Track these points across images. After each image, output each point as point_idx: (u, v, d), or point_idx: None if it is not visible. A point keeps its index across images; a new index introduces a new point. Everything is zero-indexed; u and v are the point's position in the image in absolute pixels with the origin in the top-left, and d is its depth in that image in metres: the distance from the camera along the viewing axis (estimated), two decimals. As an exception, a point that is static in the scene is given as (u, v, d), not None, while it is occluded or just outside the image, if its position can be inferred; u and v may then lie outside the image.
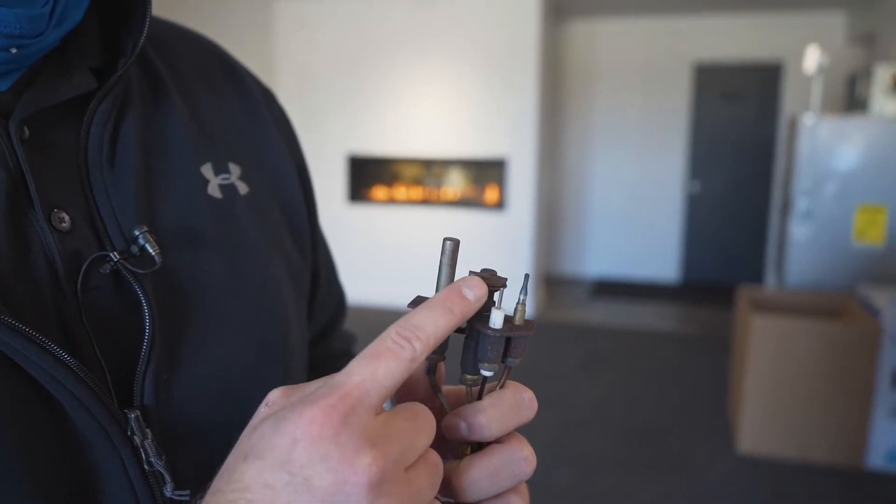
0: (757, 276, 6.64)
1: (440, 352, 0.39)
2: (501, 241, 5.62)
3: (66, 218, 0.40)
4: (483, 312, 0.38)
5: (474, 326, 0.38)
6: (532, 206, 5.59)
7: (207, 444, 0.43)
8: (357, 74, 5.74)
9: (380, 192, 6.03)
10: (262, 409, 0.33)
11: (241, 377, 0.47)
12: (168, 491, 0.40)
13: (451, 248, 0.38)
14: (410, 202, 5.95)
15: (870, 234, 3.76)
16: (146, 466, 0.39)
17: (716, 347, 4.84)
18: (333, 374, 0.32)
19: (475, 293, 0.35)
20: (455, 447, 0.39)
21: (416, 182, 6.01)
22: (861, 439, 3.17)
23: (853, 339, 3.13)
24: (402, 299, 5.97)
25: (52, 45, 0.41)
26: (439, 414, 0.38)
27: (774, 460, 3.25)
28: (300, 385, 0.34)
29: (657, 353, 4.86)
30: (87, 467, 0.37)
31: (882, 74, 4.08)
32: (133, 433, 0.38)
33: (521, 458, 0.37)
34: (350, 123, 5.82)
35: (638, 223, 7.13)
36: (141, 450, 0.39)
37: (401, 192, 6.00)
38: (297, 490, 0.29)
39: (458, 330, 0.39)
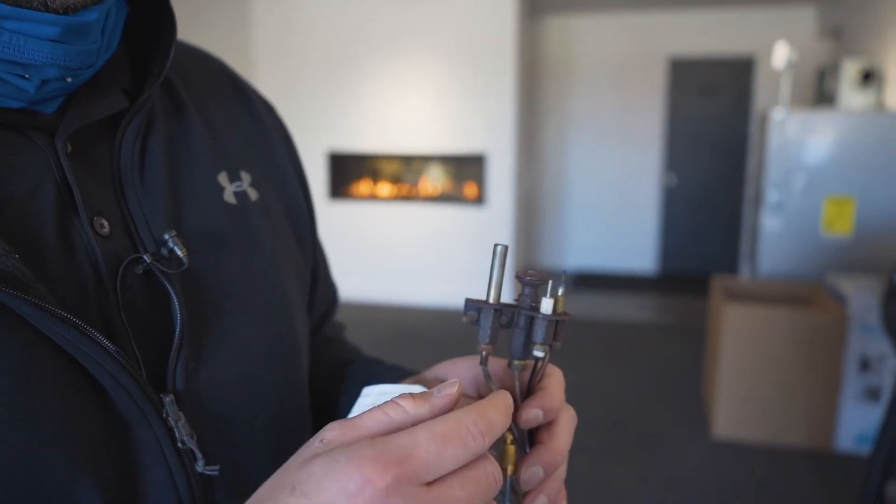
0: (731, 267, 6.77)
1: (492, 342, 0.46)
2: (481, 236, 5.68)
3: (106, 224, 0.45)
4: (531, 303, 0.45)
5: (527, 315, 0.45)
6: (511, 201, 5.66)
7: (232, 424, 0.49)
8: (336, 71, 5.76)
9: (360, 188, 6.07)
10: (317, 444, 0.35)
11: (257, 365, 0.52)
12: (200, 467, 0.44)
13: (502, 252, 0.44)
14: (391, 198, 6.00)
15: (838, 225, 3.88)
16: (179, 445, 0.43)
17: (692, 336, 4.95)
18: (402, 431, 0.34)
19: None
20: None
21: (396, 178, 6.05)
22: (830, 422, 3.28)
23: (822, 327, 3.24)
24: (382, 294, 6.01)
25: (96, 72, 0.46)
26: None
27: (747, 444, 3.35)
28: (356, 420, 0.36)
29: (635, 343, 4.96)
30: (127, 445, 0.41)
31: (849, 69, 4.19)
32: (167, 415, 0.43)
33: (574, 415, 0.48)
34: (329, 120, 5.85)
35: (616, 216, 7.23)
36: (175, 430, 0.43)
37: (381, 188, 6.05)
38: None
39: (504, 325, 0.46)
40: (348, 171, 6.03)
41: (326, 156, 5.94)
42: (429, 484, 0.33)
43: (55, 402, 0.38)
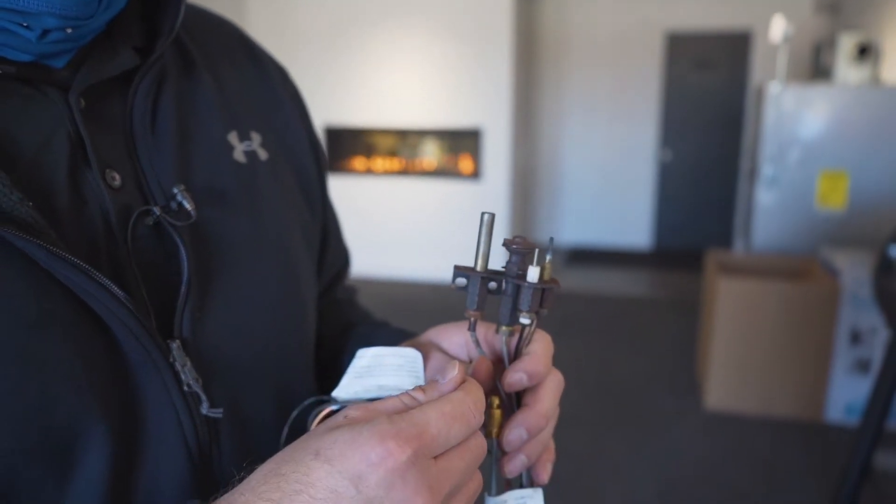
0: (726, 242, 6.80)
1: (479, 308, 0.47)
2: (477, 211, 5.58)
3: (117, 177, 0.47)
4: (518, 271, 0.46)
5: (513, 283, 0.46)
6: (507, 176, 5.66)
7: (235, 371, 0.51)
8: (332, 45, 5.72)
9: (356, 162, 6.05)
10: (340, 419, 0.38)
11: (261, 317, 0.54)
12: (204, 409, 0.46)
13: (489, 221, 0.45)
14: (387, 173, 5.99)
15: (832, 199, 3.90)
16: (185, 388, 0.45)
17: (686, 311, 4.99)
18: (413, 409, 0.38)
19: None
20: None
21: (393, 153, 6.04)
22: (820, 394, 3.33)
23: (814, 300, 3.27)
24: (378, 269, 6.00)
25: (101, 29, 0.47)
26: (482, 364, 0.48)
27: (739, 415, 3.40)
28: (376, 404, 0.40)
29: (630, 318, 5.00)
30: (136, 387, 0.44)
31: (846, 43, 4.17)
32: (174, 360, 0.45)
33: (561, 379, 0.50)
34: (326, 95, 5.82)
35: (611, 191, 7.24)
36: (181, 374, 0.45)
37: (377, 162, 6.04)
38: None
39: (491, 292, 0.47)
40: (344, 145, 6.01)
41: (322, 130, 5.91)
42: (435, 457, 0.37)
43: (66, 343, 0.40)
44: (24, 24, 0.41)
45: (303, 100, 0.69)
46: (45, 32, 0.42)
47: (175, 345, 0.45)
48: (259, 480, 0.36)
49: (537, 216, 7.40)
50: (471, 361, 0.50)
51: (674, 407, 3.51)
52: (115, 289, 0.41)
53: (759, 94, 4.15)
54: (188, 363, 0.46)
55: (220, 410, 0.47)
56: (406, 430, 0.36)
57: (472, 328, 0.48)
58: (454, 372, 0.41)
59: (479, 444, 0.40)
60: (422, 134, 5.91)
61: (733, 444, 3.15)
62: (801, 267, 3.71)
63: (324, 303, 0.70)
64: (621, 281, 6.03)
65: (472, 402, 0.40)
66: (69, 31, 0.43)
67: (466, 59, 5.52)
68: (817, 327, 3.28)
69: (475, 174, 5.73)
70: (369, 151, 6.06)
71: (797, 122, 3.90)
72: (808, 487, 2.80)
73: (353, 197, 5.95)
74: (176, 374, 0.45)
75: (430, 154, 5.96)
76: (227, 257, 0.52)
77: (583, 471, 2.91)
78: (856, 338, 3.26)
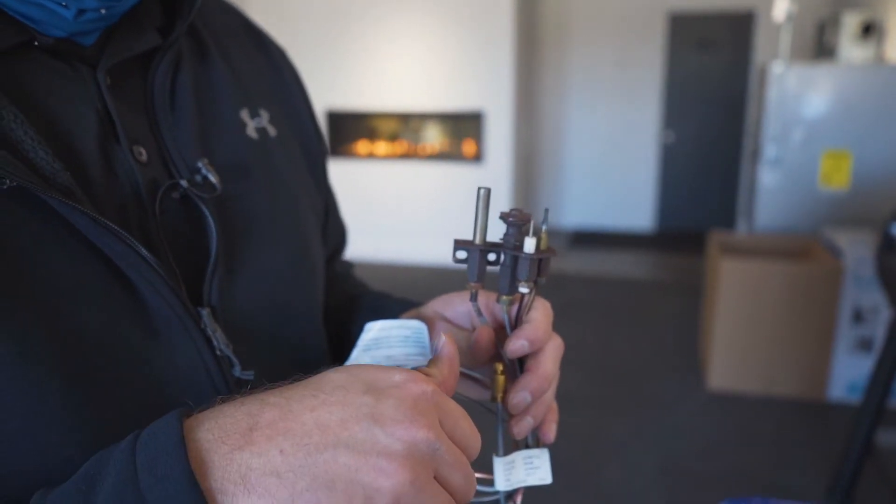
0: (729, 223, 6.79)
1: (479, 280, 0.49)
2: (480, 194, 5.67)
3: (144, 152, 0.48)
4: (515, 243, 0.47)
5: (511, 254, 0.47)
6: (509, 159, 5.65)
7: (260, 336, 0.53)
8: (334, 30, 5.70)
9: (359, 147, 6.05)
10: None
11: (280, 285, 0.56)
12: (237, 372, 0.48)
13: (485, 195, 0.47)
14: (389, 157, 5.98)
15: (835, 179, 3.89)
16: (217, 353, 0.47)
17: (689, 292, 5.00)
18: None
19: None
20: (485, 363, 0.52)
21: (395, 137, 6.03)
22: (823, 373, 3.34)
23: (817, 279, 3.28)
24: (382, 253, 6.00)
25: (129, 9, 0.48)
26: (484, 332, 0.50)
27: (742, 395, 3.42)
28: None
29: (632, 300, 5.01)
30: (170, 353, 0.45)
31: (850, 21, 4.15)
32: (205, 326, 0.47)
33: (561, 343, 0.51)
34: (328, 79, 5.80)
35: (613, 174, 7.22)
36: (213, 339, 0.47)
37: (380, 146, 6.03)
38: (364, 408, 0.34)
39: (491, 263, 0.49)
40: (346, 129, 6.00)
41: (324, 114, 5.91)
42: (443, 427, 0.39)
43: (98, 309, 0.42)
44: (63, 4, 0.43)
45: (301, 78, 0.71)
46: (81, 12, 0.44)
47: (205, 312, 0.47)
48: (275, 388, 0.37)
49: (540, 199, 7.39)
50: (474, 329, 0.52)
51: (676, 388, 3.53)
52: (150, 257, 0.43)
53: (763, 74, 4.13)
54: (219, 329, 0.48)
55: (251, 373, 0.49)
56: (423, 376, 0.38)
57: (474, 299, 0.50)
58: (441, 340, 0.44)
59: (468, 479, 0.38)
60: (424, 117, 5.89)
61: (736, 424, 3.17)
62: (803, 247, 3.71)
63: (326, 274, 0.72)
64: (624, 263, 6.04)
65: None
66: (103, 11, 0.45)
67: (468, 41, 5.50)
68: (820, 307, 3.29)
69: (477, 157, 5.73)
70: (372, 135, 6.05)
71: (800, 102, 3.88)
72: (811, 466, 2.82)
73: (355, 181, 5.95)
74: (208, 340, 0.47)
75: (433, 138, 5.95)
76: (249, 229, 0.54)
77: (585, 452, 2.93)
78: (858, 317, 3.27)
